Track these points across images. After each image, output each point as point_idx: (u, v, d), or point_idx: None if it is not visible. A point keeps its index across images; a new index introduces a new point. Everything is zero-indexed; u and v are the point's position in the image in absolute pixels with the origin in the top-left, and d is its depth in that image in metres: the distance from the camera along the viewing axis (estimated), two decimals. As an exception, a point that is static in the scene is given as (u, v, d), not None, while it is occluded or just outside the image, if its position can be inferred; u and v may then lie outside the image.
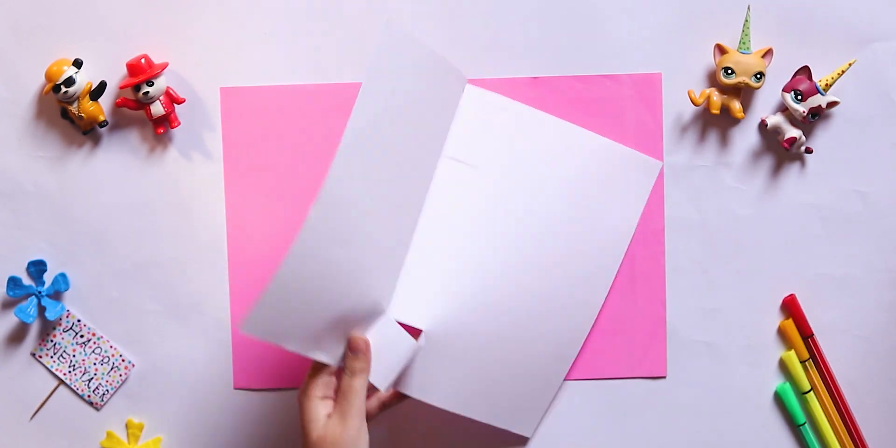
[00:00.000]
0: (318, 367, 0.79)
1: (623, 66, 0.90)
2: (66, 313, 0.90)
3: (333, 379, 0.79)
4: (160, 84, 0.86)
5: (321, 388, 0.78)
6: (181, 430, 0.92)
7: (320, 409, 0.77)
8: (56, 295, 0.90)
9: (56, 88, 0.86)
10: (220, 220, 0.90)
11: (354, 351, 0.79)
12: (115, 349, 0.91)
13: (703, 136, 0.90)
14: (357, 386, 0.78)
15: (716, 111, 0.88)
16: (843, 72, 0.87)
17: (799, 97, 0.87)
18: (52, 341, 0.91)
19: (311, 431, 0.77)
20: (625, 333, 0.91)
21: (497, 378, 0.87)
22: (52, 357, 0.91)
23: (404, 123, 0.80)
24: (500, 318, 0.86)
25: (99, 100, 0.88)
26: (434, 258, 0.85)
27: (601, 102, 0.90)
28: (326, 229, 0.74)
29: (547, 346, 0.87)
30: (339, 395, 0.78)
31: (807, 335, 0.91)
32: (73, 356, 0.91)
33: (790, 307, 0.91)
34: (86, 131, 0.89)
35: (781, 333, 0.92)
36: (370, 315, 0.81)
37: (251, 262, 0.90)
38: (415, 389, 0.85)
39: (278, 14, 0.89)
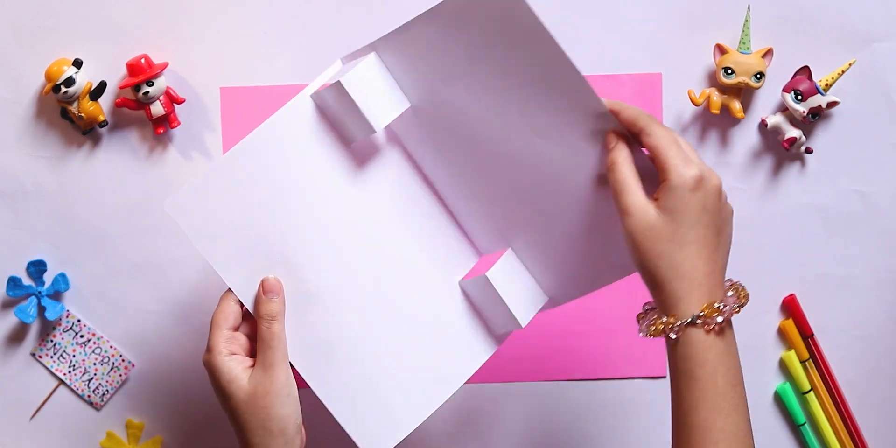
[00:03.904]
0: (218, 323, 0.75)
1: (623, 66, 0.90)
2: (65, 313, 0.90)
3: (235, 334, 0.75)
4: (160, 84, 0.86)
5: (226, 345, 0.74)
6: (181, 430, 0.92)
7: (234, 365, 0.74)
8: (56, 295, 0.90)
9: (56, 88, 0.86)
10: (220, 220, 0.90)
11: (268, 292, 0.75)
12: (115, 349, 0.91)
13: (703, 136, 0.90)
14: (277, 331, 0.74)
15: (716, 111, 0.88)
16: (842, 72, 0.87)
17: (799, 97, 0.87)
18: (51, 341, 0.91)
19: (236, 390, 0.73)
20: (625, 333, 0.91)
21: (375, 390, 0.80)
22: (51, 357, 0.91)
23: None
24: (390, 340, 0.80)
25: (99, 100, 0.88)
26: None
27: (601, 102, 0.90)
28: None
29: (423, 379, 0.81)
30: (259, 344, 0.74)
31: (807, 335, 0.91)
32: (73, 356, 0.91)
33: (790, 307, 0.91)
34: (86, 131, 0.89)
35: (781, 333, 0.92)
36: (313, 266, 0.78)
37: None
38: (301, 363, 0.78)
39: (279, 14, 0.89)
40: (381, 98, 0.76)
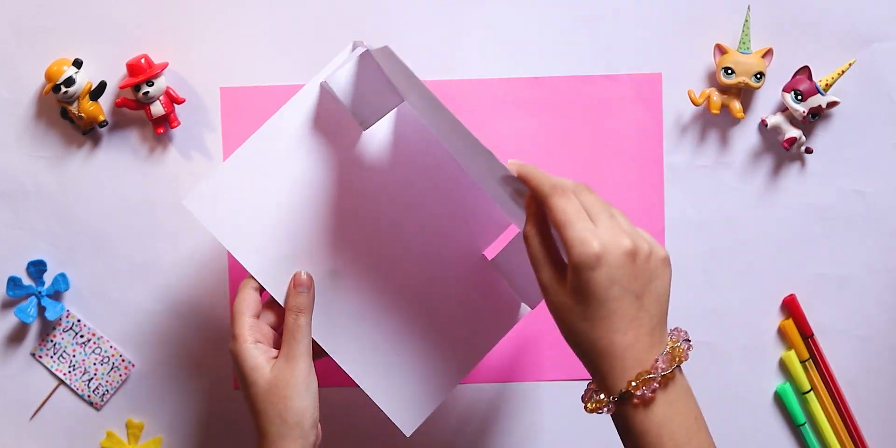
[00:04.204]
0: (241, 311, 0.76)
1: (623, 66, 0.90)
2: (65, 313, 0.90)
3: (257, 322, 0.77)
4: (160, 84, 0.86)
5: (250, 333, 0.76)
6: (181, 430, 0.92)
7: (259, 353, 0.75)
8: (56, 295, 0.90)
9: (56, 88, 0.86)
10: (220, 220, 0.90)
11: (299, 286, 0.77)
12: (115, 349, 0.91)
13: (703, 136, 0.90)
14: (303, 323, 0.75)
15: (716, 111, 0.88)
16: (842, 72, 0.87)
17: (799, 97, 0.87)
18: (51, 341, 0.90)
19: (258, 378, 0.74)
20: (625, 333, 0.91)
21: (403, 364, 0.81)
22: (51, 357, 0.91)
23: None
24: (415, 313, 0.82)
25: (99, 100, 0.88)
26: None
27: (601, 102, 0.90)
28: None
29: (449, 351, 0.82)
30: (285, 335, 0.76)
31: (807, 335, 0.91)
32: (73, 356, 0.90)
33: (790, 307, 0.91)
34: (86, 131, 0.89)
35: (781, 333, 0.92)
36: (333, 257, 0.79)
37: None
38: (327, 341, 0.80)
39: (279, 14, 0.89)
40: (369, 97, 0.76)
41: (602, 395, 0.66)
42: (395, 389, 0.81)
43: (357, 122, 0.77)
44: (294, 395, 0.74)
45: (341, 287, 0.79)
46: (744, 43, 0.87)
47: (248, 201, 0.77)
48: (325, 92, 0.78)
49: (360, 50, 0.76)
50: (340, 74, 0.75)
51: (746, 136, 0.90)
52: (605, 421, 0.92)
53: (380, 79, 0.76)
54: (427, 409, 0.81)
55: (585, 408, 0.67)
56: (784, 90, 0.87)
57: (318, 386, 0.76)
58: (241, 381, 0.76)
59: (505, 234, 0.84)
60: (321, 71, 0.78)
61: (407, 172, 0.81)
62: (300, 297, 0.77)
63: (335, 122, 0.78)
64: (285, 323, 0.76)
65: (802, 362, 0.91)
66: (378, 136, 0.80)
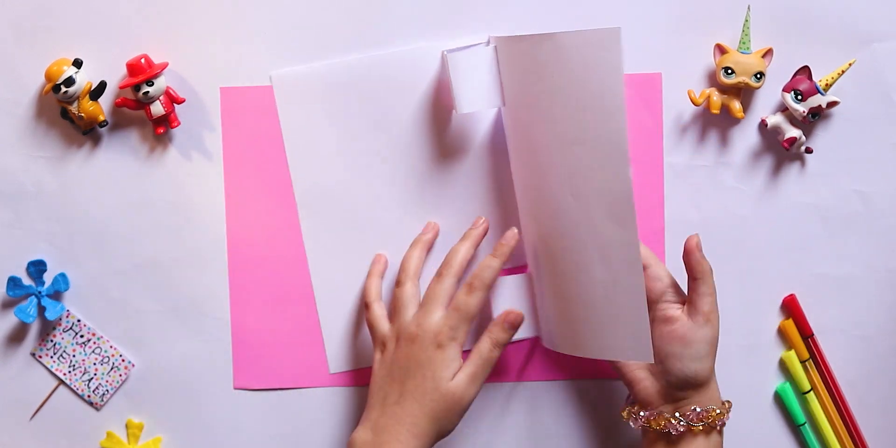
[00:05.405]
0: (469, 315, 0.80)
1: (623, 67, 0.90)
2: (65, 313, 0.90)
3: None
4: (160, 84, 0.86)
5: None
6: (181, 430, 0.92)
7: (458, 359, 0.79)
8: (56, 295, 0.90)
9: (56, 88, 0.86)
10: (220, 220, 0.90)
11: (507, 324, 0.81)
12: (115, 349, 0.91)
13: (703, 136, 0.90)
14: (496, 356, 0.80)
15: (716, 111, 0.88)
16: (843, 72, 0.87)
17: (799, 97, 0.87)
18: (51, 341, 0.90)
19: (443, 380, 0.78)
20: (625, 333, 0.91)
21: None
22: (51, 357, 0.91)
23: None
24: None
25: (99, 100, 0.88)
26: None
27: (601, 102, 0.90)
28: None
29: None
30: (479, 359, 0.79)
31: (807, 335, 0.91)
32: (73, 356, 0.90)
33: (790, 307, 0.91)
34: (86, 131, 0.89)
35: (781, 333, 0.92)
36: None
37: (251, 262, 0.90)
38: (320, 282, 0.89)
39: (279, 14, 0.89)
40: (476, 86, 0.81)
41: (720, 412, 0.80)
42: (343, 339, 0.89)
43: (455, 104, 0.81)
44: (461, 413, 0.79)
45: (354, 232, 0.87)
46: (744, 43, 0.87)
47: (324, 106, 0.84)
48: (441, 61, 0.83)
49: (489, 46, 0.81)
50: (462, 56, 0.80)
51: (746, 136, 0.90)
52: (603, 420, 0.92)
53: (493, 76, 0.81)
54: (355, 364, 0.89)
55: (699, 424, 0.80)
56: (784, 90, 0.87)
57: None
58: (426, 378, 0.78)
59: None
60: (453, 43, 0.84)
61: (468, 164, 0.86)
62: (506, 334, 0.81)
63: (435, 88, 0.84)
64: (480, 349, 0.80)
65: (802, 362, 0.91)
66: (468, 122, 0.85)
